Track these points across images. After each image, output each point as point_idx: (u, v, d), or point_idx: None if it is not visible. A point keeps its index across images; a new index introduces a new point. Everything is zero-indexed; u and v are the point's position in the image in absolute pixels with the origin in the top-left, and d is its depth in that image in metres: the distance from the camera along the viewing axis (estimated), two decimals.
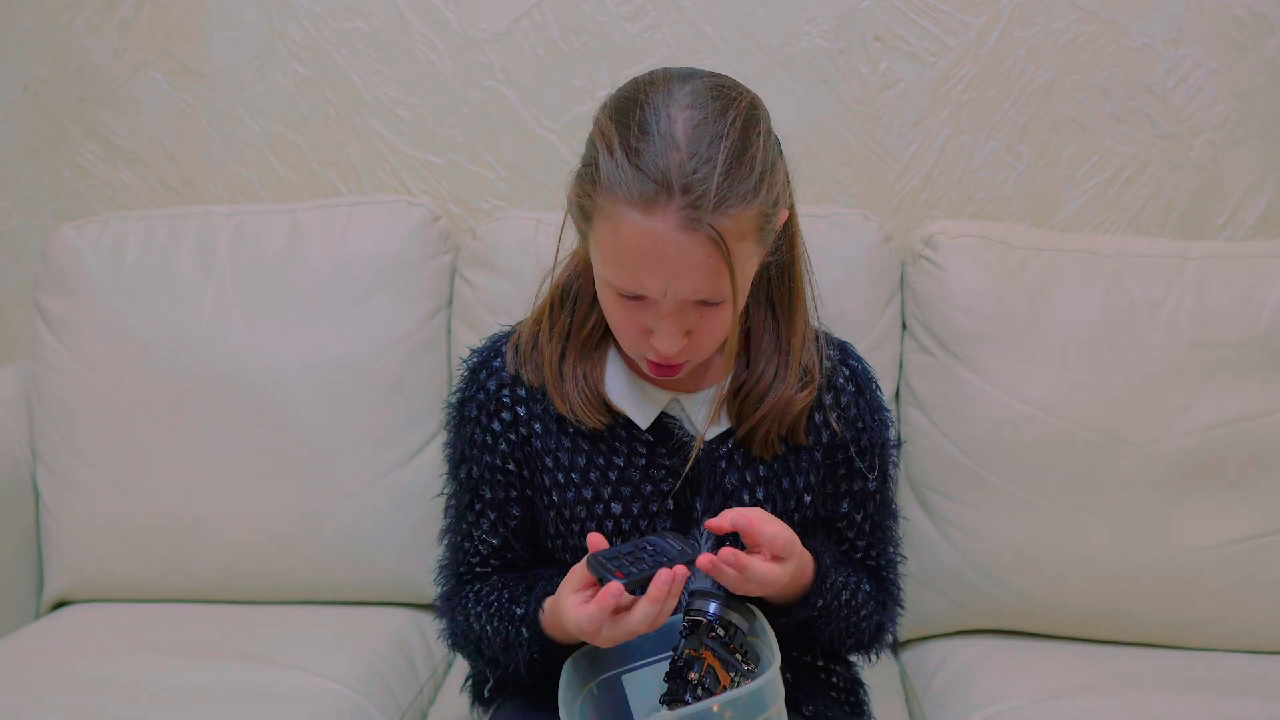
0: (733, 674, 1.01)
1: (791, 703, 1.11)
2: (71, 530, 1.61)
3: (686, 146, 0.99)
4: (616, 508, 1.16)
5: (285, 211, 1.64)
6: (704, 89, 1.03)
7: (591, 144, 1.05)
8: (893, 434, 1.26)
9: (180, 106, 1.78)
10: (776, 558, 1.03)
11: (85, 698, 1.30)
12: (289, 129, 1.77)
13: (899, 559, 1.26)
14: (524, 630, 1.12)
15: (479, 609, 1.18)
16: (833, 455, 1.20)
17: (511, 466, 1.18)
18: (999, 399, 1.50)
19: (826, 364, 1.20)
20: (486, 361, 1.21)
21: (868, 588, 1.20)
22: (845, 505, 1.21)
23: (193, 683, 1.34)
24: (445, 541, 1.25)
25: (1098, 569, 1.48)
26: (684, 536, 1.07)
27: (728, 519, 1.03)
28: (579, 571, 1.04)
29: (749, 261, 1.06)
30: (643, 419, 1.16)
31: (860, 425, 1.20)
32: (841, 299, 1.50)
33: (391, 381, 1.57)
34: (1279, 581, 1.48)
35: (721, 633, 1.02)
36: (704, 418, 1.16)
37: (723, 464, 1.17)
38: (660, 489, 1.16)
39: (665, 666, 1.04)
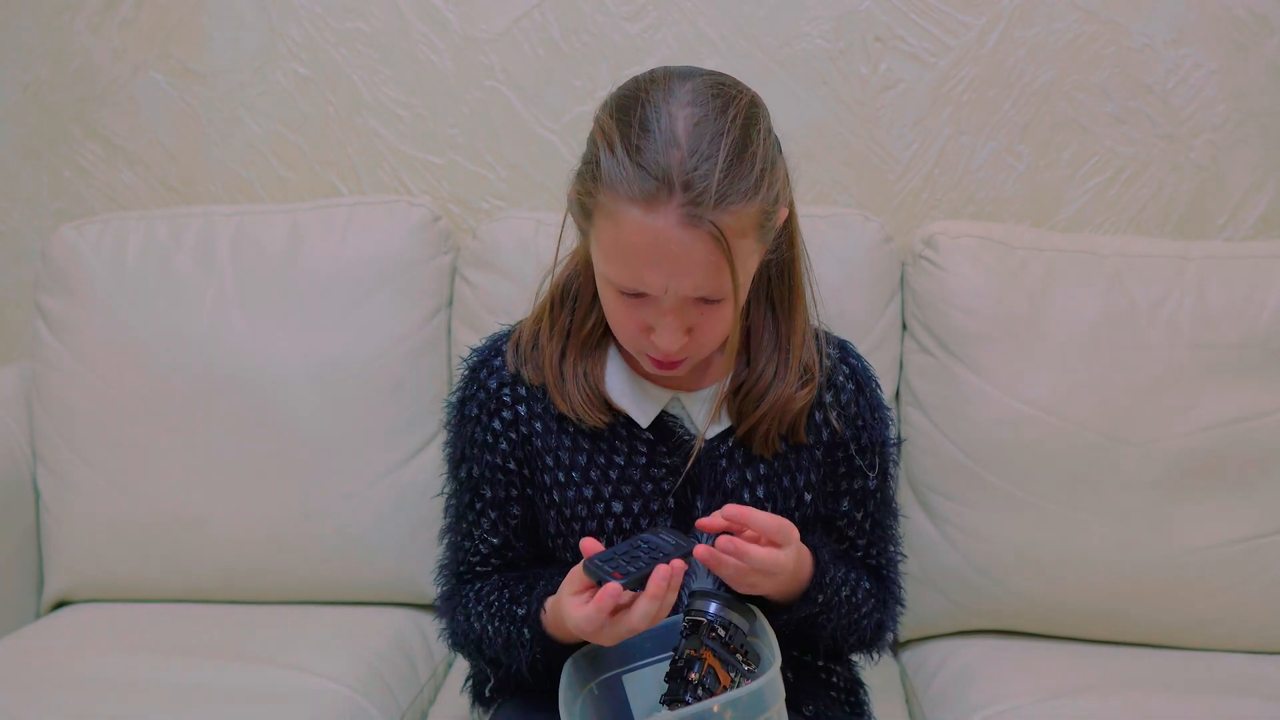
0: (733, 674, 1.01)
1: (792, 703, 1.11)
2: (71, 530, 1.61)
3: (687, 144, 1.00)
4: (617, 506, 1.16)
5: (285, 211, 1.64)
6: (704, 87, 1.03)
7: (592, 142, 1.05)
8: (893, 432, 1.26)
9: (180, 106, 1.78)
10: (773, 543, 1.03)
11: (85, 698, 1.30)
12: (289, 129, 1.77)
13: (899, 558, 1.26)
14: (526, 630, 1.12)
15: (480, 609, 1.18)
16: (833, 454, 1.20)
17: (512, 465, 1.18)
18: (999, 399, 1.50)
19: (826, 362, 1.20)
20: (487, 360, 1.21)
21: (868, 585, 1.20)
22: (845, 504, 1.21)
23: (193, 683, 1.34)
24: (445, 541, 1.25)
25: (1098, 569, 1.48)
26: (678, 532, 1.06)
27: (719, 517, 1.03)
28: (578, 573, 1.04)
29: (750, 258, 1.06)
30: (643, 417, 1.16)
31: (860, 423, 1.21)
32: (842, 299, 1.50)
33: (391, 381, 1.57)
34: (1279, 581, 1.48)
35: (722, 633, 1.02)
36: (704, 416, 1.16)
37: (723, 462, 1.17)
38: (661, 488, 1.16)
39: (665, 667, 1.04)
